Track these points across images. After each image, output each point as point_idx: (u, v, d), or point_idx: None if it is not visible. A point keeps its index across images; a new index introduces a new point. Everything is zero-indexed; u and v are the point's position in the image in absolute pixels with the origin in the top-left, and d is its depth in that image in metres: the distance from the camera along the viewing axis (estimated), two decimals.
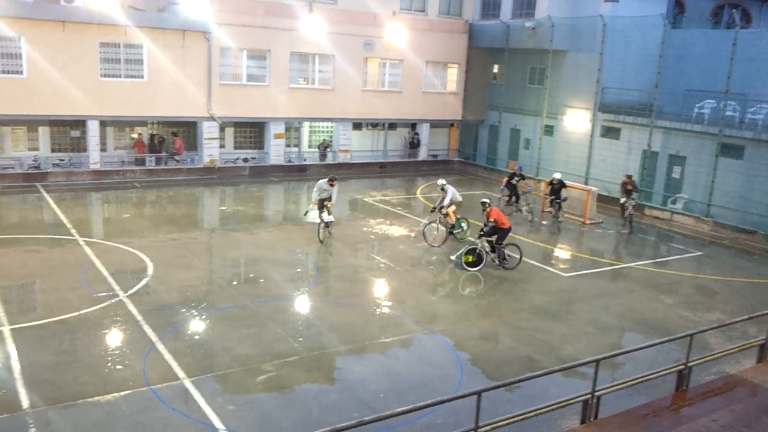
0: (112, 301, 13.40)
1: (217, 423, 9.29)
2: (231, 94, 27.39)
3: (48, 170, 24.95)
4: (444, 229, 18.98)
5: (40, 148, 25.88)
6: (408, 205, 24.70)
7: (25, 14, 23.08)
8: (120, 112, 25.41)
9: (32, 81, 23.55)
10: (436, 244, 18.69)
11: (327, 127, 31.72)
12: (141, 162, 27.02)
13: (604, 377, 10.22)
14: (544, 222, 22.60)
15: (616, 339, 13.40)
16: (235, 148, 29.71)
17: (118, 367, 10.69)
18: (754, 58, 22.86)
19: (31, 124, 25.47)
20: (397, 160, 33.05)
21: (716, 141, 23.04)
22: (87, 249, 16.81)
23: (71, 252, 16.61)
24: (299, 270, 16.70)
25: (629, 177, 22.26)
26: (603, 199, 24.80)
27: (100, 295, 13.66)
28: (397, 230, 20.62)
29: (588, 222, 22.94)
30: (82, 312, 12.72)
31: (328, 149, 31.33)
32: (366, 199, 25.18)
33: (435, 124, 33.55)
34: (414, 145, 33.25)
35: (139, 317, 12.66)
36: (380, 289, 15.51)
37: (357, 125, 31.88)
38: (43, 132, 25.91)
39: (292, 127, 30.69)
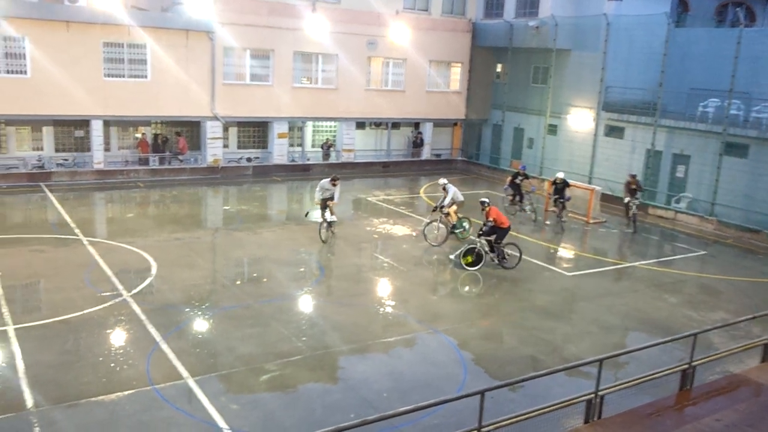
0: (116, 300, 13.43)
1: (221, 422, 9.30)
2: (234, 93, 27.42)
3: (52, 170, 25.01)
4: (445, 228, 18.97)
5: (44, 147, 25.95)
6: (411, 205, 24.69)
7: (29, 14, 23.12)
8: (124, 111, 25.46)
9: (36, 81, 23.61)
10: (436, 244, 18.68)
11: (330, 126, 31.72)
12: (145, 162, 27.06)
13: (608, 377, 10.20)
14: (548, 222, 22.58)
15: (620, 338, 13.38)
16: (239, 147, 29.74)
17: (122, 366, 10.72)
18: (758, 57, 22.81)
19: (35, 124, 25.53)
20: (400, 159, 33.05)
21: (720, 140, 22.98)
22: (91, 249, 16.85)
23: (75, 252, 16.65)
24: (302, 269, 16.71)
25: (633, 176, 22.23)
26: (606, 199, 24.76)
27: (104, 294, 13.69)
28: (400, 229, 20.62)
29: (591, 221, 22.90)
30: (86, 311, 12.75)
31: (332, 149, 31.33)
32: (369, 199, 25.18)
33: (438, 124, 33.54)
34: (417, 144, 33.25)
35: (142, 317, 12.69)
36: (383, 288, 15.51)
37: (360, 124, 31.88)
38: (47, 132, 25.98)
39: (296, 127, 30.70)
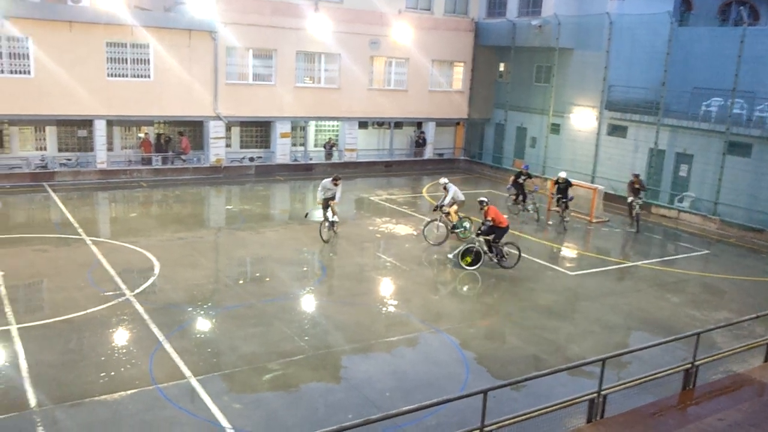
0: (119, 300, 13.45)
1: (224, 422, 9.31)
2: (237, 93, 27.44)
3: (55, 170, 25.05)
4: (444, 228, 18.95)
5: (47, 147, 26.00)
6: (414, 204, 24.69)
7: (32, 14, 23.16)
8: (127, 111, 25.50)
9: (39, 81, 23.66)
10: (436, 243, 18.67)
11: (333, 126, 31.73)
12: (148, 161, 27.10)
13: (611, 376, 10.18)
14: (550, 222, 22.54)
15: (623, 338, 13.37)
16: (242, 147, 29.77)
17: (125, 365, 10.73)
18: (761, 56, 22.75)
19: (39, 123, 25.59)
20: (403, 158, 33.05)
21: (723, 139, 22.94)
22: (94, 248, 16.88)
23: (78, 251, 16.68)
24: (305, 269, 16.72)
25: (637, 176, 22.21)
26: (609, 198, 24.73)
27: (107, 294, 13.72)
28: (403, 229, 20.62)
29: (594, 220, 22.88)
30: (89, 311, 12.78)
31: (334, 148, 31.35)
32: (372, 198, 25.18)
33: (441, 123, 33.52)
34: (420, 143, 33.24)
35: (145, 316, 12.71)
36: (386, 287, 15.51)
37: (363, 124, 31.89)
38: (51, 132, 26.04)
39: (298, 126, 30.72)
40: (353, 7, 29.10)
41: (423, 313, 13.79)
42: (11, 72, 23.45)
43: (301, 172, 29.52)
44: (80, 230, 18.43)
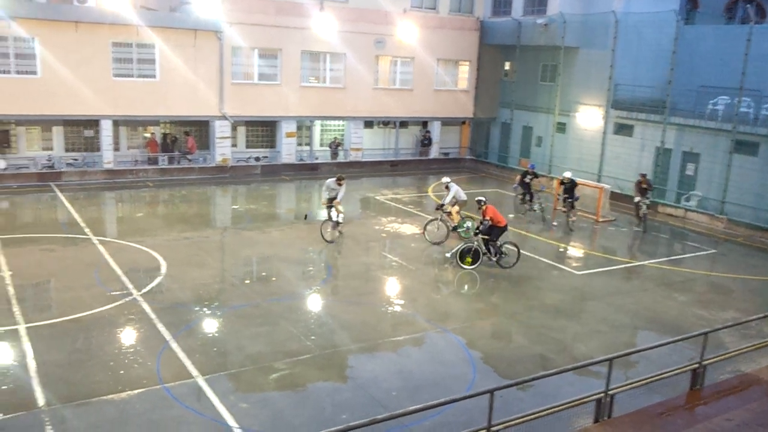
0: (126, 299, 13.49)
1: (231, 421, 9.33)
2: (243, 93, 27.48)
3: (62, 170, 25.14)
4: (445, 227, 18.92)
5: (54, 147, 26.08)
6: (419, 203, 24.68)
7: (38, 15, 23.25)
8: (133, 111, 25.56)
9: (46, 81, 23.74)
10: (436, 242, 18.64)
11: (338, 125, 31.74)
12: (154, 161, 27.16)
13: (618, 376, 10.15)
14: (555, 223, 22.43)
15: (630, 337, 13.33)
16: (247, 146, 29.81)
17: (132, 365, 10.76)
18: None
19: (45, 124, 25.67)
20: (408, 158, 33.04)
21: (730, 138, 22.85)
22: (101, 248, 16.93)
23: (85, 251, 16.74)
24: (311, 268, 16.73)
25: (644, 176, 22.14)
26: (616, 197, 24.67)
27: (114, 293, 13.76)
28: (408, 228, 20.61)
29: (601, 220, 22.82)
30: (96, 310, 12.82)
31: (340, 148, 31.36)
32: (377, 198, 25.18)
33: (446, 122, 33.49)
34: (425, 143, 33.21)
35: (152, 316, 12.74)
36: (392, 287, 15.51)
37: (368, 123, 31.88)
38: (57, 132, 26.11)
39: (304, 126, 30.74)
40: (358, 6, 29.09)
41: (429, 313, 13.79)
42: (18, 72, 23.54)
43: (307, 171, 29.54)
44: (87, 230, 18.49)
